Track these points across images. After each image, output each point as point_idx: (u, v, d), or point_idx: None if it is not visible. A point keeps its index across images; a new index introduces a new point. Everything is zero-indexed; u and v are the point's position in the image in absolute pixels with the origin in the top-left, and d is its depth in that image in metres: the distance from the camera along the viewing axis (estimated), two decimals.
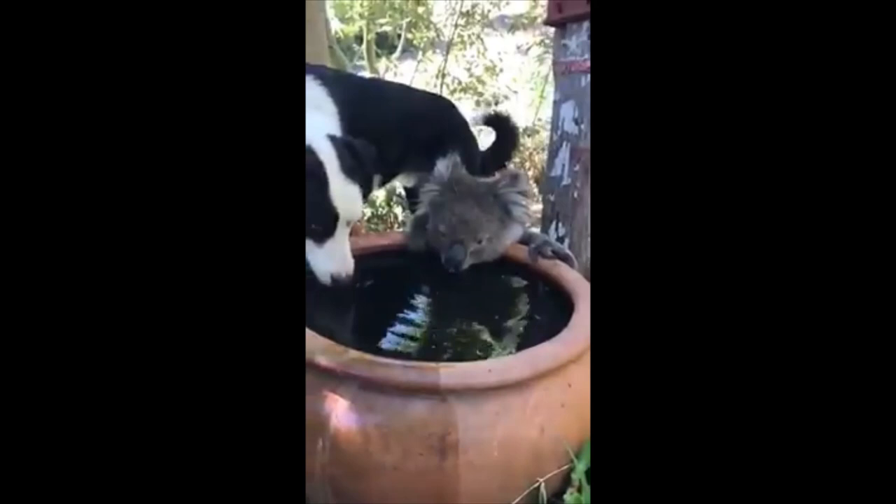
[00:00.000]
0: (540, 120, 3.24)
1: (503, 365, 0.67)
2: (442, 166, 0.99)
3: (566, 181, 1.18)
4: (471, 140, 1.39)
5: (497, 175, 1.08)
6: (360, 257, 1.02)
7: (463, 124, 1.39)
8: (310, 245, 0.91)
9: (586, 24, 1.11)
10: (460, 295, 0.99)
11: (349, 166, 0.93)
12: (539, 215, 1.34)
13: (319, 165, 0.91)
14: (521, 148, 2.95)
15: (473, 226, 0.94)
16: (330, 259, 0.92)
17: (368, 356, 0.65)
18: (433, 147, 1.16)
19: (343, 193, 0.92)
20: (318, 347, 0.67)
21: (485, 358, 0.79)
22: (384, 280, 1.03)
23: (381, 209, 2.19)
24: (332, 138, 0.94)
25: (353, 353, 0.66)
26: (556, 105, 1.20)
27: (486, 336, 0.87)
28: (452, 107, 1.42)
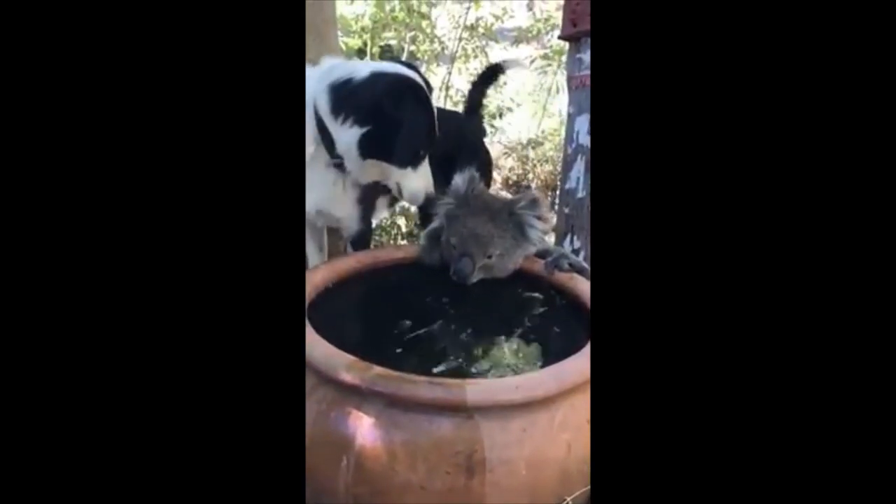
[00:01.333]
0: (543, 132, 3.25)
1: (530, 381, 0.66)
2: (460, 180, 0.99)
3: (581, 194, 1.18)
4: (486, 155, 1.40)
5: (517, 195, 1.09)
6: (376, 270, 1.02)
7: (479, 139, 1.40)
8: (404, 173, 0.99)
9: None
10: (476, 308, 0.98)
11: (428, 86, 1.02)
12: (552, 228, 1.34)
13: (423, 90, 0.98)
14: (525, 159, 2.96)
15: (484, 240, 0.94)
16: (424, 179, 1.01)
17: (394, 372, 0.64)
18: (448, 162, 1.17)
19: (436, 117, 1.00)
20: (342, 364, 0.66)
21: (502, 370, 0.78)
22: (400, 293, 1.02)
23: (384, 220, 2.18)
24: (401, 62, 1.03)
25: (378, 370, 0.65)
26: (571, 118, 1.21)
27: (504, 349, 0.86)
28: (469, 122, 1.43)
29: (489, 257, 0.95)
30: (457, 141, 1.29)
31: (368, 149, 0.94)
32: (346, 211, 1.11)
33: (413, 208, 2.04)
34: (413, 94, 0.95)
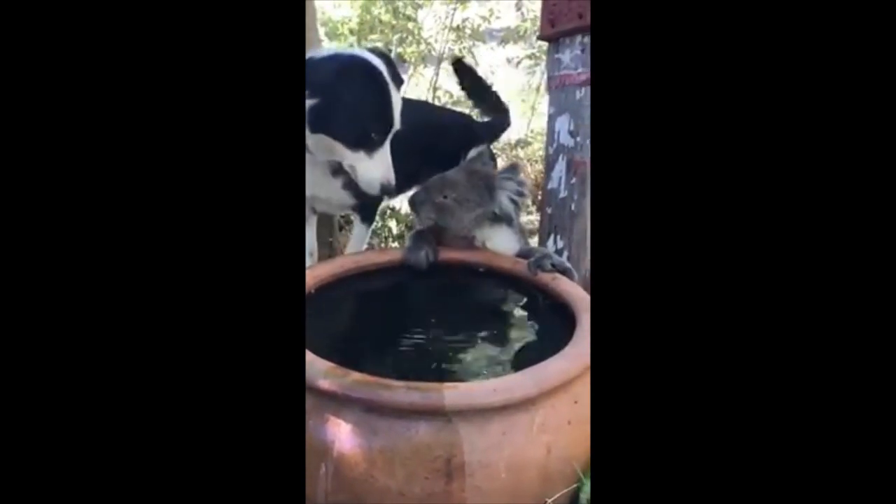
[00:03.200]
0: (532, 131, 3.26)
1: (508, 383, 0.66)
2: (474, 152, 1.07)
3: (563, 194, 1.18)
4: (489, 154, 1.42)
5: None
6: (359, 275, 1.01)
7: (481, 140, 1.41)
8: (357, 157, 0.97)
9: (579, 39, 1.12)
10: (459, 309, 0.98)
11: (394, 76, 0.99)
12: (533, 226, 1.34)
13: (379, 73, 0.96)
14: (515, 159, 2.97)
15: (447, 183, 0.98)
16: (380, 167, 0.98)
17: (371, 378, 0.64)
18: (451, 160, 1.18)
19: (397, 102, 0.97)
20: (319, 370, 0.65)
21: (484, 372, 0.78)
22: (383, 296, 1.02)
23: (374, 223, 2.17)
24: (373, 51, 1.01)
25: (356, 376, 0.64)
26: (551, 119, 1.21)
27: (487, 350, 0.86)
28: (473, 123, 1.45)
29: (444, 197, 0.98)
30: (459, 140, 1.32)
31: (314, 123, 0.93)
32: (337, 196, 1.12)
33: (404, 210, 2.04)
34: (364, 74, 0.95)
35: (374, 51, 1.02)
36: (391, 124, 0.98)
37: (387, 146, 0.99)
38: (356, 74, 0.94)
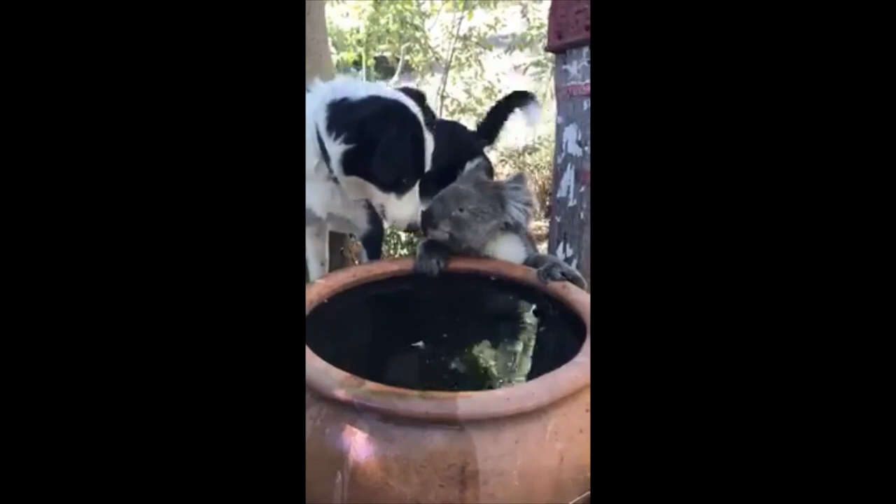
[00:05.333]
0: (539, 137, 3.27)
1: (521, 392, 0.67)
2: (471, 165, 1.09)
3: (572, 202, 1.19)
4: (487, 163, 1.43)
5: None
6: (371, 284, 1.03)
7: (478, 149, 1.42)
8: (388, 197, 1.00)
9: (586, 50, 1.14)
10: (470, 318, 0.99)
11: (428, 119, 1.02)
12: (540, 232, 1.35)
13: (416, 121, 0.98)
14: (522, 165, 2.98)
15: (462, 194, 1.00)
16: (408, 208, 1.01)
17: (386, 387, 0.65)
18: (449, 171, 1.19)
19: (430, 147, 1.00)
20: (335, 380, 0.67)
21: (496, 381, 0.79)
22: (395, 305, 1.03)
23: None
24: (408, 91, 1.03)
25: (371, 385, 0.66)
26: (559, 128, 1.22)
27: (497, 359, 0.87)
28: (470, 134, 1.46)
29: (461, 210, 0.99)
30: (456, 152, 1.33)
31: (349, 165, 0.96)
32: (354, 213, 1.15)
33: None
34: (401, 120, 0.96)
35: (408, 91, 1.04)
36: (423, 170, 1.01)
37: (416, 187, 1.02)
38: (394, 122, 0.95)
